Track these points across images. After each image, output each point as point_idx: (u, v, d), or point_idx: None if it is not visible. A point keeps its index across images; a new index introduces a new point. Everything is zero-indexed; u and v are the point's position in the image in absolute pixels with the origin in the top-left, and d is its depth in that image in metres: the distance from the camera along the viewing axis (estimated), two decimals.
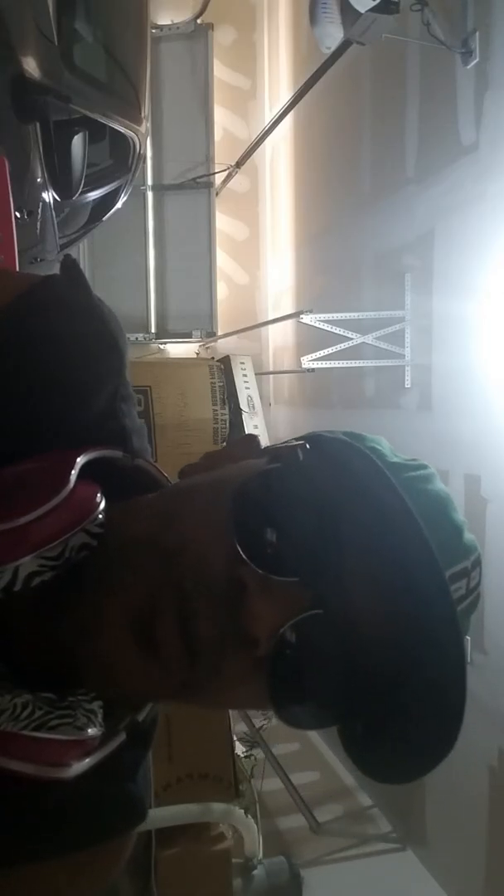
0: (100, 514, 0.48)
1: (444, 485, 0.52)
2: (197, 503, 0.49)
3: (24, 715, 0.44)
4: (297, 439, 0.52)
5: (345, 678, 0.45)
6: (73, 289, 0.56)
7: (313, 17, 2.58)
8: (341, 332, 3.25)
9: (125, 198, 3.59)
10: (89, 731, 0.46)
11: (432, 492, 0.50)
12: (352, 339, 3.23)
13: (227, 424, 3.70)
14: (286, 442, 0.53)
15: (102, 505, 0.48)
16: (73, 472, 0.47)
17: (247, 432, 3.70)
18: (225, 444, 3.70)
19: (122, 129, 3.02)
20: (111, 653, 0.46)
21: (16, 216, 2.22)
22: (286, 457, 0.49)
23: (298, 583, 0.44)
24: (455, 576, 0.47)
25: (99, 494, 0.49)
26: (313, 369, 3.33)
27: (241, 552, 0.44)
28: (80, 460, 0.49)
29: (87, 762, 0.46)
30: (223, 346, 4.99)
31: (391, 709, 0.45)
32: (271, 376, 5.05)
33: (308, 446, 0.50)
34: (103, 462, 0.52)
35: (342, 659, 0.45)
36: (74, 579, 0.47)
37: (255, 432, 3.71)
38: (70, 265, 0.57)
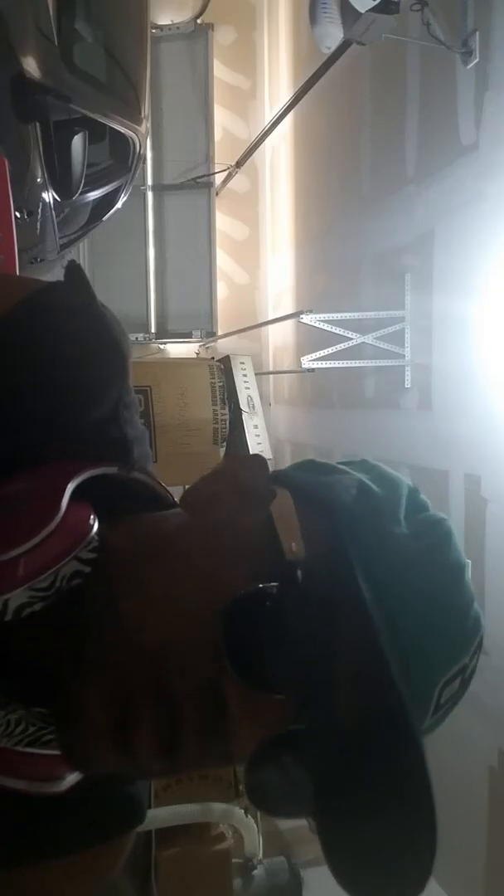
0: (93, 539, 0.47)
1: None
2: (187, 598, 0.46)
3: (17, 731, 0.44)
4: (304, 488, 0.50)
5: (321, 793, 0.45)
6: (78, 295, 0.56)
7: (313, 17, 2.58)
8: (341, 332, 3.25)
9: (125, 198, 3.59)
10: None
11: (437, 574, 0.47)
12: (352, 339, 3.23)
13: (227, 424, 3.69)
14: (292, 486, 0.51)
15: (95, 530, 0.47)
16: (63, 498, 0.46)
17: (247, 432, 3.70)
18: (224, 444, 3.70)
19: (122, 129, 3.02)
20: (86, 745, 0.44)
21: (16, 216, 2.22)
22: (284, 577, 0.46)
23: (282, 699, 0.44)
24: (450, 678, 0.46)
25: (91, 518, 0.47)
26: (313, 369, 3.33)
27: (228, 663, 0.44)
28: (70, 487, 0.47)
29: (79, 773, 0.46)
30: (223, 346, 4.99)
31: (363, 829, 0.45)
32: (271, 376, 5.05)
33: (308, 563, 0.47)
34: (98, 475, 0.51)
35: (318, 774, 0.45)
36: (65, 610, 0.46)
37: (255, 432, 3.71)
38: (74, 271, 0.57)
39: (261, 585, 0.45)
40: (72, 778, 0.46)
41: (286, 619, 0.45)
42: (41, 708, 0.46)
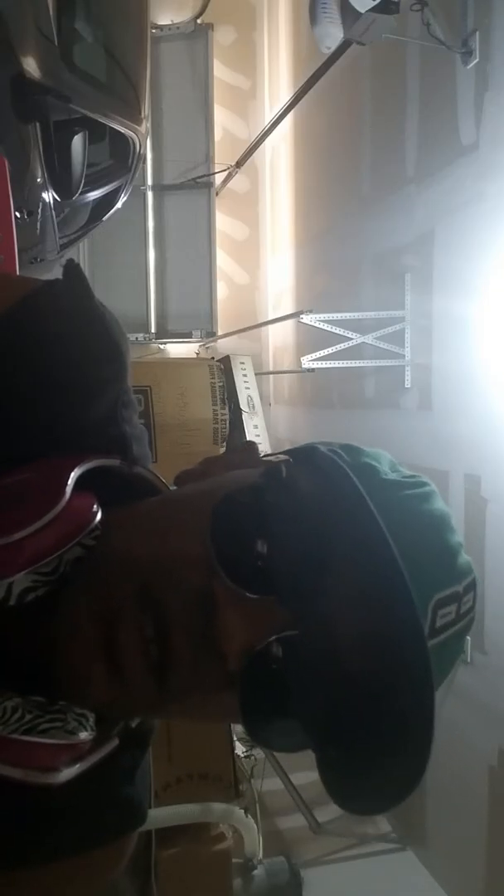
0: (95, 525, 0.47)
1: (443, 495, 0.51)
2: (178, 513, 0.48)
3: (13, 718, 0.44)
4: (290, 452, 0.51)
5: (317, 701, 0.44)
6: (76, 294, 0.56)
7: (313, 17, 2.58)
8: (341, 332, 3.25)
9: (125, 198, 3.59)
10: (81, 735, 0.46)
11: (427, 511, 0.48)
12: (352, 339, 3.23)
13: (227, 424, 3.69)
14: (284, 452, 0.52)
15: (98, 517, 0.48)
16: (68, 484, 0.46)
17: (247, 432, 3.70)
18: (225, 444, 3.70)
19: (122, 129, 3.02)
20: (78, 669, 0.45)
21: (16, 216, 2.22)
22: (272, 474, 0.48)
23: (274, 601, 0.43)
24: (443, 600, 0.45)
25: (94, 506, 0.48)
26: (313, 369, 3.33)
27: (217, 565, 0.43)
28: (75, 473, 0.48)
29: (78, 767, 0.46)
30: (223, 346, 4.99)
31: (362, 736, 0.44)
32: (271, 376, 5.06)
33: (297, 462, 0.49)
34: (101, 469, 0.52)
35: (315, 681, 0.44)
36: (65, 597, 0.47)
37: (255, 432, 3.71)
38: (73, 270, 0.57)
39: (246, 483, 0.47)
40: (68, 771, 0.45)
41: (273, 513, 0.45)
42: (38, 696, 0.46)
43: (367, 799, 0.45)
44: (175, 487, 0.55)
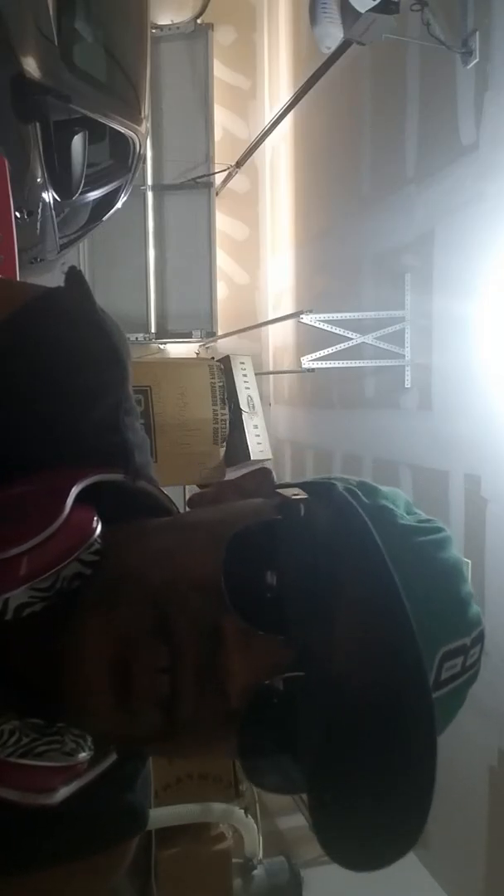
0: (95, 541, 0.47)
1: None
2: (191, 543, 0.48)
3: (10, 741, 0.44)
4: (307, 486, 0.51)
5: (317, 743, 0.44)
6: (77, 301, 0.56)
7: (313, 17, 2.58)
8: (341, 332, 3.25)
9: (125, 198, 3.59)
10: (79, 756, 0.45)
11: (441, 560, 0.48)
12: (352, 339, 3.23)
13: (227, 424, 3.69)
14: (301, 484, 0.51)
15: (98, 532, 0.47)
16: (68, 500, 0.46)
17: (247, 432, 3.70)
18: (224, 444, 3.70)
19: (122, 129, 3.02)
20: (85, 693, 0.44)
21: (16, 216, 2.22)
22: (288, 511, 0.47)
23: (282, 641, 0.43)
24: (450, 653, 0.45)
25: (95, 520, 0.48)
26: (313, 369, 3.33)
27: (228, 600, 0.43)
28: (75, 489, 0.47)
29: (76, 784, 0.46)
30: (223, 346, 4.99)
31: (359, 784, 0.44)
32: (271, 376, 5.05)
33: (313, 499, 0.48)
34: (103, 483, 0.51)
35: (315, 724, 0.43)
36: (65, 610, 0.46)
37: (255, 432, 3.71)
38: (75, 276, 0.57)
39: (263, 519, 0.46)
40: (65, 790, 0.45)
41: (288, 551, 0.45)
42: (35, 715, 0.46)
43: (358, 852, 0.45)
44: (188, 509, 0.55)
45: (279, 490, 0.51)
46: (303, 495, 0.48)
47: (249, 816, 2.65)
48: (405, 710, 0.41)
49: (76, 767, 0.45)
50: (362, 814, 0.44)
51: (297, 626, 0.43)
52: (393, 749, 0.42)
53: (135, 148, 3.20)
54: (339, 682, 0.43)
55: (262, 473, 0.56)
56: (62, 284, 0.58)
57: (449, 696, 0.46)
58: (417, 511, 0.52)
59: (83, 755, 0.46)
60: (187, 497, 0.56)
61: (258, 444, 3.70)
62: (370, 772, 0.43)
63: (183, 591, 0.44)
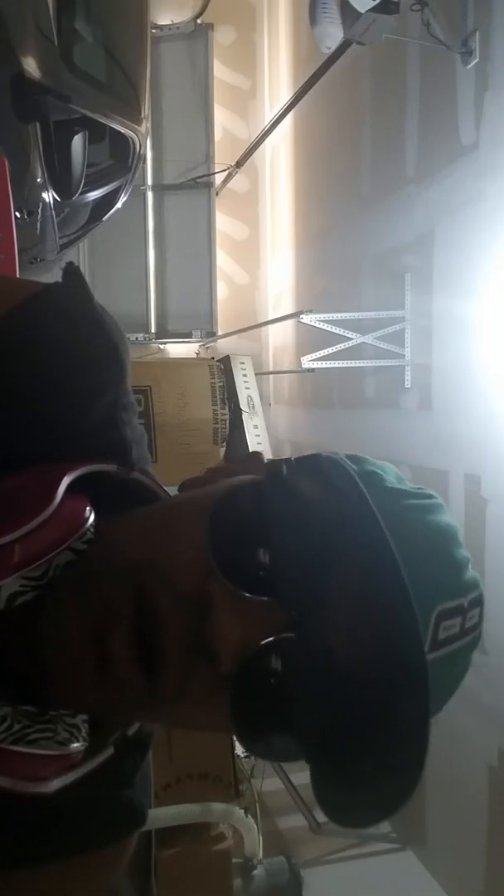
0: (88, 530, 0.47)
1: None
2: (175, 514, 0.48)
3: (2, 728, 0.44)
4: (294, 459, 0.51)
5: (311, 707, 0.43)
6: (75, 297, 0.56)
7: (313, 17, 2.58)
8: (341, 332, 3.25)
9: (125, 198, 3.59)
10: (72, 745, 0.45)
11: (433, 522, 0.47)
12: (352, 339, 3.23)
13: (227, 424, 3.70)
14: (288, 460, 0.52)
15: (90, 521, 0.47)
16: (59, 488, 0.46)
17: (247, 432, 3.70)
18: (224, 444, 3.70)
19: (122, 129, 3.02)
20: (69, 671, 0.44)
21: (16, 216, 2.22)
22: (271, 472, 0.47)
23: (272, 603, 0.43)
24: (447, 612, 0.44)
25: (87, 509, 0.47)
26: (313, 369, 3.32)
27: (214, 564, 0.43)
28: (67, 478, 0.47)
29: (71, 776, 0.45)
30: (223, 346, 4.99)
31: (356, 744, 0.43)
32: (271, 376, 5.05)
33: (295, 464, 0.48)
34: (98, 473, 0.51)
35: (309, 687, 0.43)
36: (55, 597, 0.46)
37: (255, 432, 3.71)
38: (72, 273, 0.57)
39: (246, 481, 0.46)
40: (59, 781, 0.45)
41: (273, 511, 0.44)
42: (28, 706, 0.46)
43: (359, 810, 0.44)
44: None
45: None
46: (289, 461, 0.49)
47: (249, 816, 2.65)
48: (399, 667, 0.41)
49: (70, 757, 0.45)
50: (360, 774, 0.44)
51: (285, 586, 0.43)
52: (388, 708, 0.42)
53: (135, 148, 3.20)
54: (331, 642, 0.43)
55: (254, 457, 0.56)
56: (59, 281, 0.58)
57: (450, 658, 0.45)
58: (407, 482, 0.52)
59: (76, 745, 0.45)
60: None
61: (258, 444, 3.70)
62: (366, 732, 0.43)
63: (164, 561, 0.44)
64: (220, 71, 5.06)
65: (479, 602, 0.48)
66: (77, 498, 0.48)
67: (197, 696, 0.44)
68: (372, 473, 0.49)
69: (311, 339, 3.75)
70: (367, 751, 0.43)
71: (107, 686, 0.43)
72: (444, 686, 0.45)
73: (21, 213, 2.63)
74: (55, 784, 0.44)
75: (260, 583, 0.43)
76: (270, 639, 0.43)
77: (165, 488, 0.58)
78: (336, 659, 0.43)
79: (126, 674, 0.43)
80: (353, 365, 3.35)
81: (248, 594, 0.43)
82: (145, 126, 3.27)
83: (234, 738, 0.45)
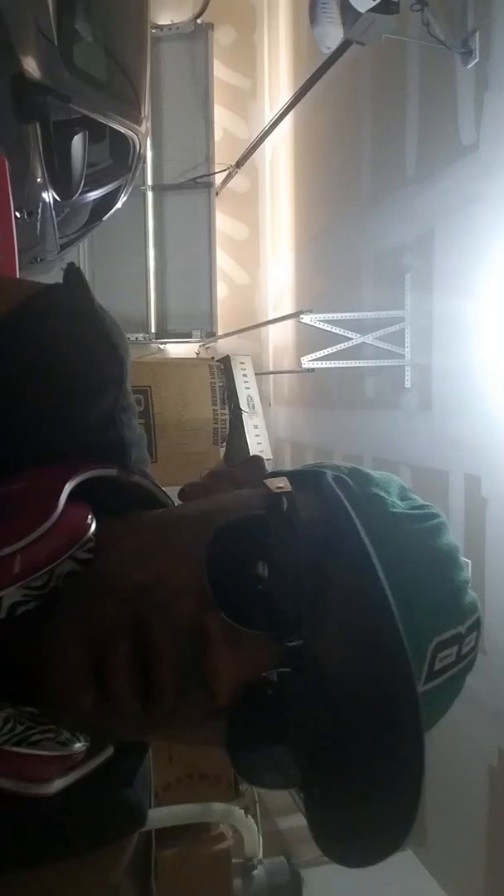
0: (89, 539, 0.47)
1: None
2: (176, 538, 0.47)
3: (4, 729, 0.43)
4: (297, 474, 0.51)
5: (306, 737, 0.43)
6: (76, 298, 0.56)
7: (313, 17, 2.58)
8: (341, 332, 3.25)
9: (125, 198, 3.59)
10: (74, 746, 0.45)
11: (434, 548, 0.47)
12: (352, 339, 3.23)
13: (227, 424, 3.70)
14: (290, 473, 0.51)
15: (92, 529, 0.47)
16: (61, 497, 0.46)
17: (247, 432, 3.70)
18: (224, 444, 3.70)
19: (122, 129, 3.02)
20: (65, 690, 0.44)
21: (16, 216, 2.22)
22: (270, 506, 0.46)
23: (268, 637, 0.43)
24: (444, 643, 0.45)
25: (89, 517, 0.47)
26: (313, 369, 3.33)
27: (213, 598, 0.43)
28: (69, 485, 0.47)
29: (72, 776, 0.46)
30: (223, 346, 4.99)
31: (349, 776, 0.44)
32: (271, 376, 5.05)
33: (300, 489, 0.48)
34: (97, 477, 0.51)
35: (303, 718, 0.43)
36: (56, 608, 0.46)
37: (255, 432, 3.71)
38: (73, 274, 0.57)
39: (243, 515, 0.46)
40: (61, 781, 0.45)
41: (270, 547, 0.44)
42: (30, 707, 0.46)
43: (354, 846, 0.44)
44: (179, 502, 0.55)
45: (267, 480, 0.51)
46: (287, 488, 0.48)
47: (249, 816, 2.65)
48: (392, 705, 0.41)
49: (71, 757, 0.45)
50: (352, 810, 0.44)
51: (281, 622, 0.43)
52: (381, 745, 0.42)
53: (135, 148, 3.20)
54: (326, 679, 0.43)
55: (254, 462, 0.56)
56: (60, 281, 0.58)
57: (445, 685, 0.46)
58: (412, 496, 0.51)
59: (78, 745, 0.46)
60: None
61: (258, 444, 3.70)
62: (359, 768, 0.43)
63: (164, 588, 0.44)
64: (220, 71, 5.06)
65: (476, 626, 0.48)
66: (78, 505, 0.47)
67: (192, 722, 0.44)
68: (374, 497, 0.48)
69: (310, 339, 3.75)
70: (361, 780, 0.43)
71: (102, 708, 0.43)
72: (437, 709, 0.46)
73: (21, 213, 2.62)
74: (57, 785, 0.44)
75: (256, 617, 0.43)
76: (266, 673, 0.43)
77: (165, 489, 0.57)
78: (329, 696, 0.43)
79: (122, 699, 0.43)
80: (353, 365, 3.35)
81: (244, 629, 0.43)
82: (145, 126, 3.27)
83: (231, 765, 0.45)
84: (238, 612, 0.43)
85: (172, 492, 0.57)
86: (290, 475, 0.51)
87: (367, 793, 0.43)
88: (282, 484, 0.48)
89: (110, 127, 2.97)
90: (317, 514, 0.46)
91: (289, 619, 0.43)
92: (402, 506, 0.49)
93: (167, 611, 0.43)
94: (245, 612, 0.43)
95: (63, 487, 0.46)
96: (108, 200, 3.45)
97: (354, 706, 0.43)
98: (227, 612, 0.43)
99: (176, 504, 0.56)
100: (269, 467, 0.57)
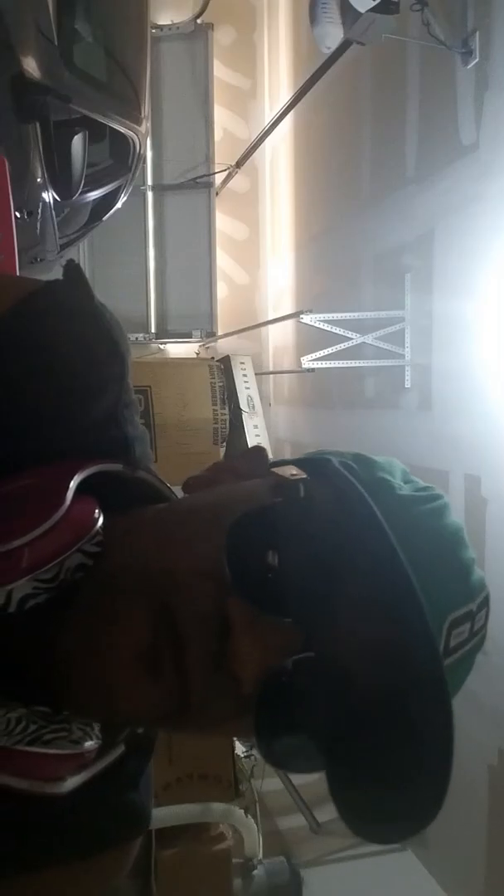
0: (97, 532, 0.47)
1: (454, 517, 0.50)
2: (193, 530, 0.48)
3: (17, 730, 0.44)
4: (302, 462, 0.51)
5: (332, 720, 0.44)
6: (76, 294, 0.56)
7: (313, 17, 2.58)
8: (341, 332, 3.25)
9: (125, 198, 3.59)
10: (86, 744, 0.45)
11: (441, 528, 0.48)
12: (352, 339, 3.23)
13: (227, 424, 3.70)
14: (295, 461, 0.52)
15: (100, 523, 0.47)
16: (69, 490, 0.46)
17: (247, 432, 3.70)
18: (224, 444, 3.70)
19: (122, 129, 3.02)
20: (90, 689, 0.45)
21: (16, 216, 2.22)
22: (287, 493, 0.47)
23: (290, 624, 0.43)
24: (458, 620, 0.45)
25: (96, 511, 0.48)
26: (313, 369, 3.32)
27: (233, 586, 0.43)
28: (74, 481, 0.47)
29: (84, 775, 0.46)
30: (223, 346, 4.99)
31: (377, 756, 0.44)
32: (271, 376, 5.05)
33: (310, 477, 0.48)
34: (103, 472, 0.51)
35: (329, 700, 0.43)
36: (69, 601, 0.46)
37: (255, 432, 3.71)
38: (73, 270, 0.57)
39: (264, 503, 0.46)
40: (73, 780, 0.45)
41: (291, 532, 0.45)
42: (42, 706, 0.46)
43: (384, 824, 0.44)
44: (183, 494, 0.55)
45: (275, 469, 0.51)
46: (301, 475, 0.48)
47: (249, 816, 2.65)
48: (418, 682, 0.41)
49: (84, 756, 0.45)
50: (383, 786, 0.44)
51: (303, 607, 0.43)
52: (408, 721, 0.42)
53: (135, 148, 3.20)
54: (350, 661, 0.43)
55: (257, 452, 0.56)
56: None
57: (458, 662, 0.46)
58: (414, 479, 0.52)
59: (90, 743, 0.46)
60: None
61: (258, 444, 3.70)
62: (386, 744, 0.43)
63: (186, 578, 0.44)
64: (220, 71, 5.06)
65: (485, 603, 0.49)
66: (85, 499, 0.48)
67: (217, 713, 0.45)
68: (381, 481, 0.49)
69: (310, 339, 3.75)
70: (389, 758, 0.43)
71: (128, 703, 0.44)
72: (452, 687, 0.46)
73: (21, 213, 2.62)
74: (69, 784, 0.45)
75: (277, 603, 0.43)
76: (291, 659, 0.43)
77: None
78: (353, 673, 0.43)
79: (147, 692, 0.43)
80: (353, 365, 3.35)
81: (266, 615, 0.43)
82: (145, 126, 3.27)
83: (258, 752, 0.46)
84: (261, 597, 0.43)
85: (175, 491, 0.57)
86: (296, 463, 0.51)
87: (397, 765, 0.43)
88: (295, 471, 0.49)
89: (110, 127, 2.97)
90: (332, 499, 0.46)
91: (309, 604, 0.43)
92: (407, 489, 0.50)
93: (190, 600, 0.44)
94: (268, 597, 0.43)
95: (69, 482, 0.47)
96: (108, 200, 3.45)
97: (380, 686, 0.43)
98: (250, 598, 0.43)
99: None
100: (265, 450, 0.57)
